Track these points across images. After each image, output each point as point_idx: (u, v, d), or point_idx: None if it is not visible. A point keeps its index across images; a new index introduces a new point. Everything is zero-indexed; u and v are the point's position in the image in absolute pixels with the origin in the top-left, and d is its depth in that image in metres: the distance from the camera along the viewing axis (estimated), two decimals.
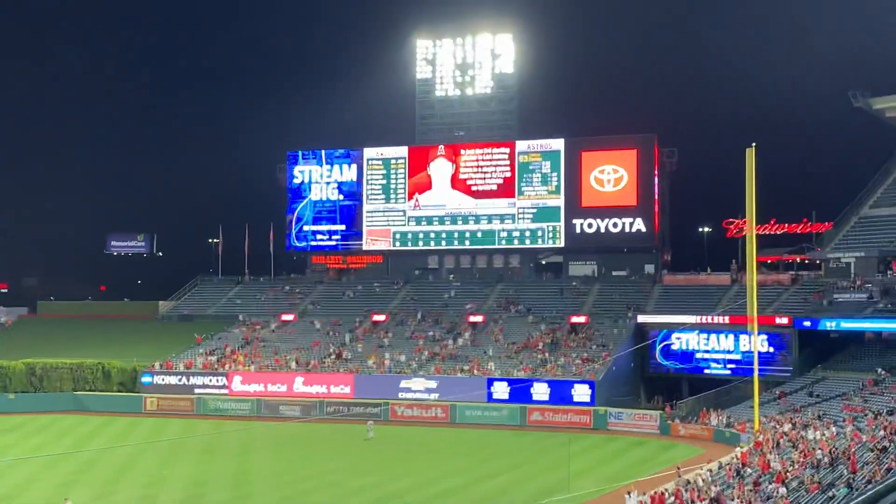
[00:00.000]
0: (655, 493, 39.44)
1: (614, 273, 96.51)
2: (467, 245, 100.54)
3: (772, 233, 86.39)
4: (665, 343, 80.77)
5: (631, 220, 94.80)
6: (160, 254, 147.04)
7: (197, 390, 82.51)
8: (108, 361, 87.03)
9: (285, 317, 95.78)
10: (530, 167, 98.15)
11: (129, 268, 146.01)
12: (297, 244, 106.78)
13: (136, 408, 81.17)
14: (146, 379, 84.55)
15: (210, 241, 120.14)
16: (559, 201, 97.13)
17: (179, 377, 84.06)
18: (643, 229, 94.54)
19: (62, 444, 64.08)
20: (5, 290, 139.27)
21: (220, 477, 52.82)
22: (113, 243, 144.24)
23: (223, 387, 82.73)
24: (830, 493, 34.81)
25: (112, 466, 55.55)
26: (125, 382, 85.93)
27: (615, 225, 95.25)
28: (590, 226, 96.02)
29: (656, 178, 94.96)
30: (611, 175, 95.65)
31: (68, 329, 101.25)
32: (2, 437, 67.65)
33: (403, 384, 78.97)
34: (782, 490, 35.97)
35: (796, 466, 41.78)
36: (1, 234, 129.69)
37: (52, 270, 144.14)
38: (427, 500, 46.29)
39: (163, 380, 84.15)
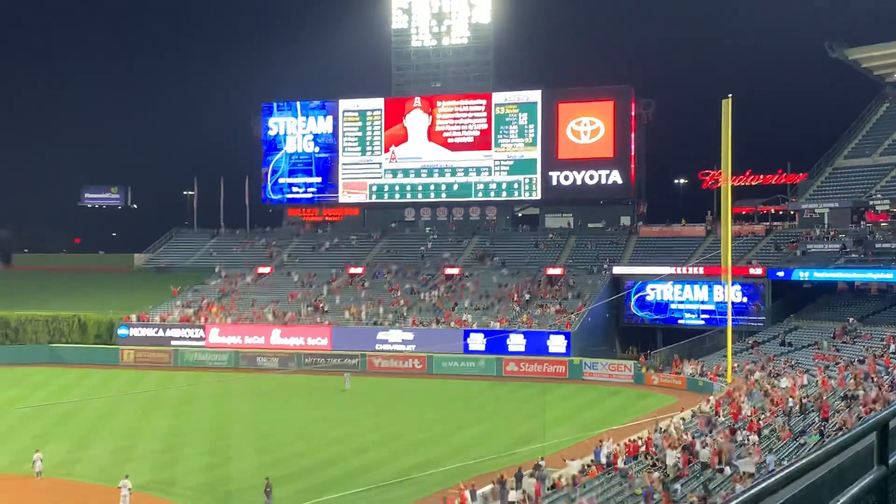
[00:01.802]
0: (629, 441, 39.99)
1: (590, 225, 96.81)
2: (444, 198, 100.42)
3: (747, 184, 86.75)
4: (640, 294, 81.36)
5: (607, 172, 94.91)
6: (135, 206, 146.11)
7: (174, 342, 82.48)
8: (85, 314, 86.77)
9: (262, 269, 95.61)
10: (507, 119, 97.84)
11: (103, 220, 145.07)
12: (273, 197, 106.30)
13: (114, 360, 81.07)
14: (123, 331, 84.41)
15: (185, 193, 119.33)
16: (536, 153, 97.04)
17: (156, 329, 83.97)
18: (619, 181, 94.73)
19: (38, 397, 64.01)
20: None
21: (197, 428, 53.02)
22: (87, 195, 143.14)
23: (200, 339, 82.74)
24: (802, 441, 35.44)
25: (89, 419, 55.61)
26: (102, 335, 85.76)
27: (591, 177, 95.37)
28: (566, 178, 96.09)
29: (633, 131, 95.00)
30: (588, 127, 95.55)
31: (43, 281, 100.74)
32: None
33: (380, 336, 79.28)
34: (754, 437, 36.56)
35: (768, 414, 42.44)
36: None
37: (26, 223, 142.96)
38: (404, 450, 46.71)
39: (140, 332, 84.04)
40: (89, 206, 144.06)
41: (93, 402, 61.15)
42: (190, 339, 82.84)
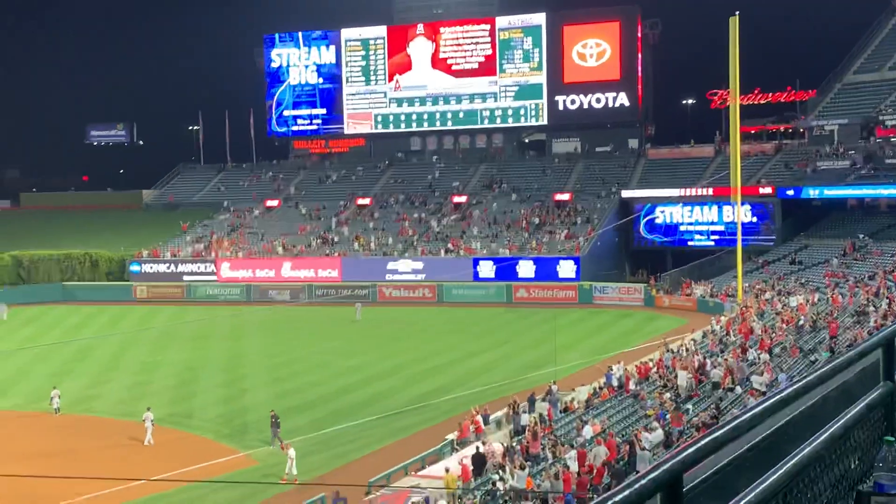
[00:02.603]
0: (641, 363, 40.25)
1: (598, 149, 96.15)
2: (450, 126, 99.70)
3: (755, 103, 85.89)
4: (649, 217, 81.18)
5: (614, 94, 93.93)
6: (141, 142, 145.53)
7: (186, 277, 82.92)
8: (96, 251, 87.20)
9: (270, 203, 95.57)
10: (511, 44, 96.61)
11: (110, 157, 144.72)
12: (278, 129, 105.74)
13: (127, 296, 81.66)
14: (135, 268, 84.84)
15: (190, 128, 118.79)
16: (541, 78, 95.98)
17: (168, 265, 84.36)
18: (626, 104, 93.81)
19: (53, 335, 64.60)
20: None
21: (212, 361, 53.57)
22: (92, 133, 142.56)
23: (212, 273, 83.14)
24: (812, 358, 35.60)
25: (105, 355, 56.20)
26: (114, 272, 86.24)
27: (598, 100, 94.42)
28: (573, 102, 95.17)
29: (639, 52, 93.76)
30: (593, 49, 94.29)
31: (53, 221, 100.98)
32: None
33: (390, 266, 79.49)
34: (765, 356, 36.73)
35: (778, 333, 42.58)
36: None
37: (33, 162, 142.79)
38: (416, 378, 47.15)
39: (151, 268, 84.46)
40: (95, 143, 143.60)
41: (108, 338, 61.71)
42: (202, 273, 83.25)
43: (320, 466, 31.93)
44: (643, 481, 2.76)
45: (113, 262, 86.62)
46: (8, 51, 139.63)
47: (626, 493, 2.72)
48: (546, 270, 75.23)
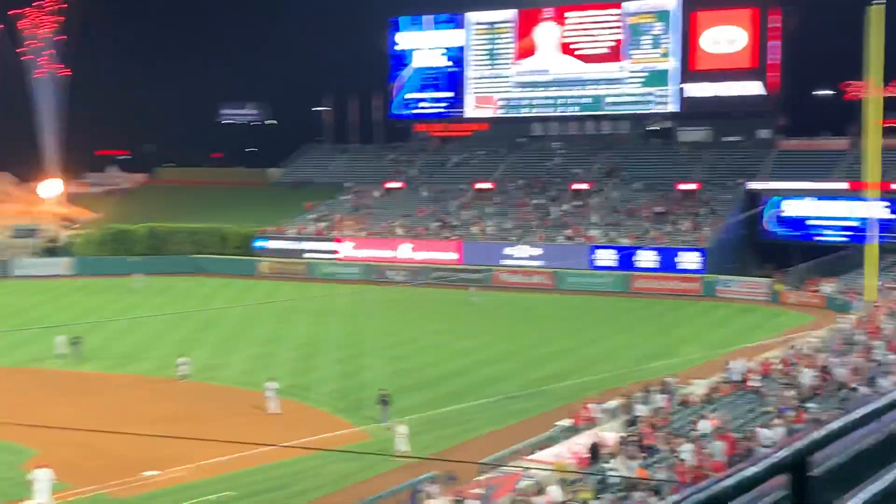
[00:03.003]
0: (763, 359, 39.24)
1: (726, 139, 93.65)
2: (574, 111, 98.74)
3: (894, 95, 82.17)
4: (777, 210, 78.86)
5: (746, 83, 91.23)
6: (270, 122, 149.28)
7: (307, 255, 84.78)
8: (224, 226, 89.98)
9: (391, 184, 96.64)
10: (641, 29, 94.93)
11: (241, 136, 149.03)
12: (401, 112, 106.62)
13: (251, 271, 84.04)
14: (260, 243, 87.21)
15: (317, 109, 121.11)
16: (670, 64, 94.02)
17: (291, 242, 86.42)
18: (758, 93, 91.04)
19: (183, 305, 67.09)
20: (127, 157, 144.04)
21: (331, 337, 54.70)
22: (225, 112, 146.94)
23: (333, 252, 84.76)
24: None
25: (230, 326, 58.06)
26: (240, 246, 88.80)
27: (729, 88, 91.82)
28: (702, 90, 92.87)
29: (774, 39, 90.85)
30: (726, 36, 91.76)
31: (185, 194, 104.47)
32: (127, 297, 71.19)
33: (507, 251, 79.47)
34: (893, 357, 35.31)
35: None
36: (122, 102, 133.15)
37: (170, 138, 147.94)
38: (530, 363, 47.14)
39: (275, 245, 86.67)
40: (228, 122, 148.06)
41: (233, 310, 63.74)
42: (323, 252, 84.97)
43: (432, 445, 32.30)
44: (772, 460, 2.74)
45: (240, 238, 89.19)
46: (149, 32, 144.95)
47: (755, 469, 2.70)
48: (667, 261, 73.97)
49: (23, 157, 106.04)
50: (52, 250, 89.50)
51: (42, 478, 26.83)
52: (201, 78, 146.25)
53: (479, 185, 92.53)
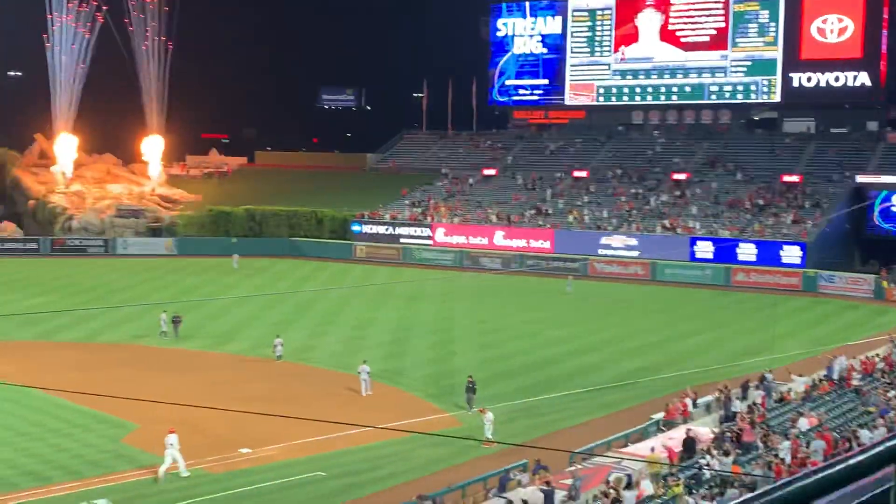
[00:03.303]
0: (866, 358, 37.94)
1: (833, 130, 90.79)
2: (674, 100, 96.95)
3: None
4: (885, 205, 76.17)
5: (854, 73, 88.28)
6: (368, 107, 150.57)
7: (403, 240, 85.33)
8: (321, 210, 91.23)
9: (487, 171, 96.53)
10: (746, 16, 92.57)
11: (339, 120, 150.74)
12: (499, 98, 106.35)
13: (347, 254, 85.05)
14: (356, 228, 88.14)
15: (415, 95, 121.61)
16: (776, 53, 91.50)
17: (386, 227, 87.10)
18: (867, 83, 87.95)
19: (279, 286, 68.28)
20: (226, 140, 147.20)
21: (424, 322, 54.92)
22: (324, 97, 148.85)
23: (427, 238, 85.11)
24: None
25: (324, 308, 58.81)
26: (336, 230, 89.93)
27: (837, 79, 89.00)
28: (808, 80, 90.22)
29: (885, 28, 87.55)
30: (835, 24, 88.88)
31: (283, 178, 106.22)
32: (225, 277, 72.77)
33: (603, 241, 78.57)
34: None
35: None
36: (223, 86, 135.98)
37: (269, 122, 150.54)
38: (624, 354, 46.54)
39: (371, 229, 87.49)
40: (327, 107, 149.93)
41: (328, 292, 64.55)
42: (418, 237, 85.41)
43: (523, 433, 32.15)
44: (878, 449, 2.55)
45: (336, 221, 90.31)
46: (250, 17, 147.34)
47: (861, 458, 2.52)
48: (768, 255, 72.12)
49: (127, 140, 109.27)
50: (154, 230, 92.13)
51: (172, 442, 28.30)
52: (303, 62, 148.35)
53: (575, 173, 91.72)
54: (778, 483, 2.60)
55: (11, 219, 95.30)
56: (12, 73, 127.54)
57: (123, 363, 42.97)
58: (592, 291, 67.86)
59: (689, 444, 27.28)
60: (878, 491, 2.68)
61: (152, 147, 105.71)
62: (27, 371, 40.21)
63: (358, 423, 28.36)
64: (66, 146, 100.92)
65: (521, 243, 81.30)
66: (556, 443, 31.09)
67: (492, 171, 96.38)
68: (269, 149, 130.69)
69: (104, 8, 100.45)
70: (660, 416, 32.10)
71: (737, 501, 3.25)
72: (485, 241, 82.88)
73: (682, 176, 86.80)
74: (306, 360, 44.45)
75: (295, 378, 40.90)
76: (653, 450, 27.09)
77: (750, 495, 2.69)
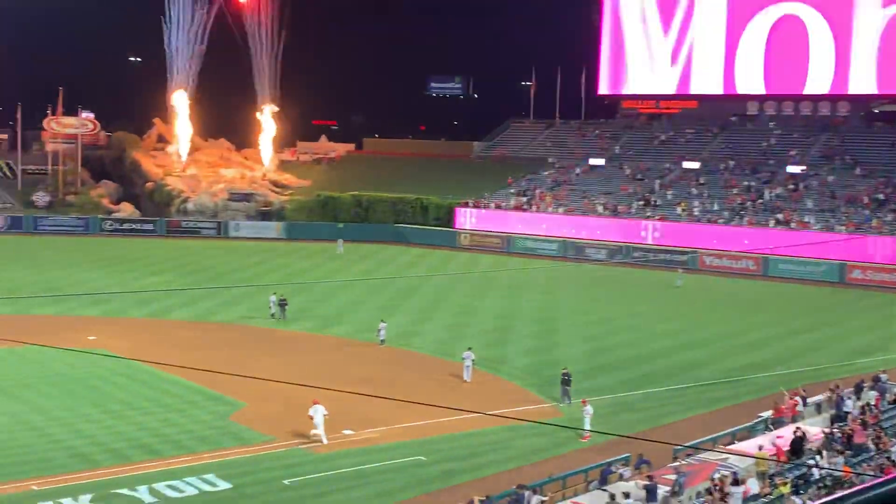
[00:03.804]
0: None
1: None
2: (791, 91, 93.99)
3: None
4: None
5: None
6: (475, 95, 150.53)
7: (507, 229, 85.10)
8: (426, 197, 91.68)
9: (594, 161, 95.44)
10: None
11: (446, 108, 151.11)
12: (608, 88, 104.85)
13: (451, 242, 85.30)
14: (461, 215, 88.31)
15: (523, 83, 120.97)
16: None
17: (491, 215, 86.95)
18: None
19: (384, 271, 68.95)
20: (335, 127, 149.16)
21: (527, 312, 54.68)
22: (432, 84, 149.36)
23: (532, 226, 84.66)
24: None
25: (428, 295, 59.12)
26: (441, 218, 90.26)
27: None
28: None
29: None
30: None
31: (389, 165, 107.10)
32: (331, 261, 73.87)
33: (713, 233, 76.83)
34: None
35: None
36: (333, 73, 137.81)
37: (377, 109, 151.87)
38: (732, 350, 45.46)
39: (475, 217, 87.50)
40: (434, 94, 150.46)
41: (431, 279, 64.90)
42: (522, 226, 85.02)
43: (625, 427, 31.70)
44: None
45: (441, 209, 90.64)
46: (361, 4, 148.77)
47: None
48: (887, 251, 69.43)
49: (241, 125, 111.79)
50: (265, 214, 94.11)
51: (318, 411, 29.68)
52: (411, 49, 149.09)
53: (686, 164, 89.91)
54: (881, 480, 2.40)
55: (130, 200, 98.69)
56: (133, 59, 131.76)
57: (233, 343, 44.03)
58: (701, 285, 66.50)
59: (798, 443, 26.46)
60: None
61: (264, 133, 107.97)
62: (142, 348, 41.60)
63: (455, 408, 28.40)
64: (182, 130, 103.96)
65: (629, 234, 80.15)
66: (659, 438, 30.56)
67: (599, 161, 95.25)
68: (376, 136, 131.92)
69: None
70: (768, 413, 31.23)
71: (841, 493, 3.03)
72: (591, 231, 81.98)
73: (797, 169, 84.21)
74: (409, 345, 44.75)
75: (397, 363, 41.23)
76: (760, 448, 26.36)
77: (856, 488, 2.49)
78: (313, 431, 29.80)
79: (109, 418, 31.32)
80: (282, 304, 49.50)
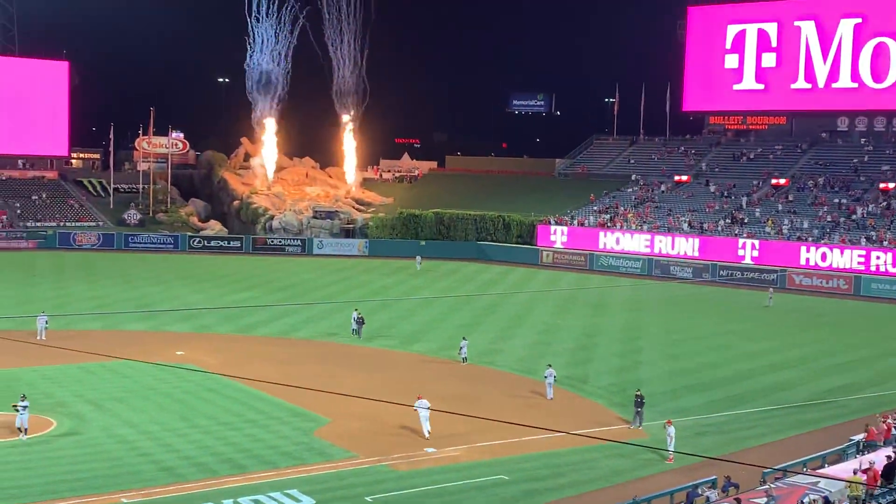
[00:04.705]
0: None
1: None
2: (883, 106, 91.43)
3: None
4: None
5: None
6: (558, 113, 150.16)
7: (589, 246, 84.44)
8: (508, 214, 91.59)
9: (679, 178, 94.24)
10: None
11: (528, 126, 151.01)
12: (695, 104, 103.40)
13: (533, 259, 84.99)
14: (542, 233, 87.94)
15: (606, 100, 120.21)
16: None
17: (573, 233, 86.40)
18: None
19: (466, 289, 68.94)
20: (417, 145, 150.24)
21: (610, 330, 54.05)
22: (515, 102, 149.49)
23: (615, 244, 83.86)
24: None
25: (510, 313, 58.89)
26: (523, 235, 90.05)
27: None
28: None
29: None
30: None
31: (471, 182, 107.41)
32: (413, 278, 74.18)
33: (803, 252, 75.05)
34: None
35: None
36: (416, 92, 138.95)
37: (459, 127, 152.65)
38: (823, 371, 44.22)
39: (557, 235, 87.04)
40: (516, 112, 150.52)
41: (514, 296, 64.66)
42: (605, 243, 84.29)
43: (711, 449, 31.02)
44: None
45: (523, 226, 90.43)
46: (443, 23, 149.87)
47: None
48: None
49: (324, 144, 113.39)
50: (348, 231, 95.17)
51: (422, 405, 31.64)
52: (493, 68, 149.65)
53: (774, 181, 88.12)
54: None
55: (217, 218, 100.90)
56: (221, 80, 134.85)
57: (316, 359, 44.43)
58: (791, 305, 64.94)
59: (891, 468, 25.54)
60: None
61: (347, 151, 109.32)
62: (228, 363, 42.28)
63: (541, 427, 28.14)
64: (268, 151, 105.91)
65: (714, 253, 78.76)
66: (746, 460, 29.81)
67: (684, 178, 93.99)
68: (458, 153, 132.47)
69: (303, 14, 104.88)
70: (860, 437, 30.25)
71: None
72: (675, 249, 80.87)
73: (890, 185, 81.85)
74: (490, 363, 44.57)
75: (479, 380, 41.08)
76: (854, 472, 25.51)
77: None
78: (425, 430, 31.51)
79: (197, 432, 31.84)
80: (359, 321, 49.48)
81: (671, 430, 30.85)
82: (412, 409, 31.26)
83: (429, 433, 31.48)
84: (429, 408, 31.47)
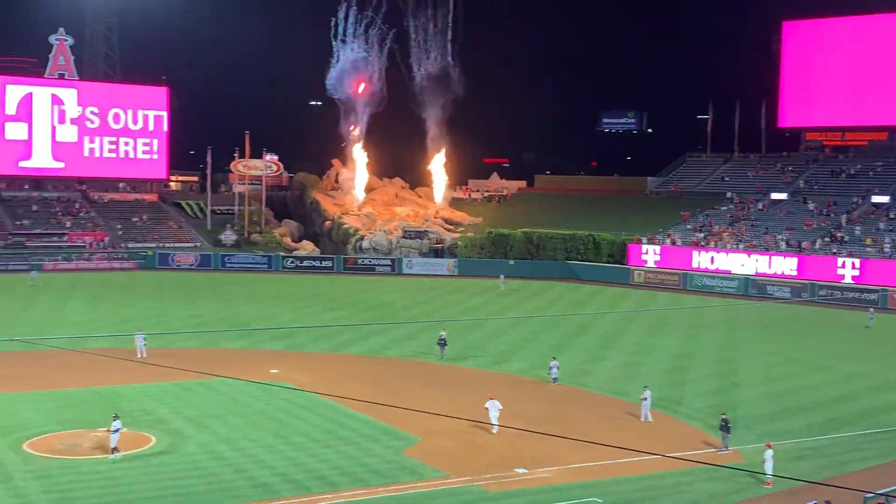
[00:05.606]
0: None
1: None
2: None
3: None
4: None
5: None
6: (649, 130, 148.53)
7: (682, 265, 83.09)
8: (598, 234, 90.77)
9: (776, 195, 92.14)
10: None
11: (619, 144, 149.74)
12: (791, 120, 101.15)
13: (625, 279, 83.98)
14: (634, 253, 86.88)
15: (699, 117, 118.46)
16: None
17: (665, 252, 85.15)
18: None
19: (555, 308, 68.46)
20: (506, 164, 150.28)
21: (705, 351, 53.00)
22: (605, 120, 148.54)
23: (710, 263, 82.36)
24: None
25: (601, 333, 58.24)
26: (614, 254, 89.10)
27: None
28: None
29: None
30: None
31: (561, 202, 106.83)
32: (502, 298, 73.99)
33: None
34: None
35: None
36: (505, 111, 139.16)
37: (548, 146, 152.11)
38: None
39: (650, 254, 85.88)
40: (606, 130, 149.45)
41: (605, 317, 63.95)
42: (699, 262, 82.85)
43: (812, 473, 30.10)
44: None
45: (614, 246, 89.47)
46: (531, 42, 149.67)
47: None
48: None
49: (414, 164, 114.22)
50: (437, 251, 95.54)
51: (494, 405, 34.26)
52: (583, 87, 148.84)
53: (875, 199, 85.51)
54: None
55: (310, 238, 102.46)
56: (313, 103, 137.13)
57: (406, 377, 44.60)
58: (893, 325, 62.75)
59: None
60: None
61: (437, 172, 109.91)
62: (320, 381, 42.75)
63: (635, 450, 27.67)
64: (359, 172, 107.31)
65: (813, 272, 76.66)
66: (847, 485, 28.81)
67: (781, 195, 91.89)
68: (548, 172, 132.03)
69: (388, 36, 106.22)
70: None
71: None
72: (772, 268, 78.97)
73: None
74: (581, 384, 44.09)
75: (570, 401, 40.66)
76: None
77: None
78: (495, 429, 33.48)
79: (290, 449, 32.21)
80: (442, 343, 48.98)
81: (769, 453, 30.04)
82: (508, 427, 31.24)
83: (497, 429, 33.57)
84: (500, 409, 33.97)
